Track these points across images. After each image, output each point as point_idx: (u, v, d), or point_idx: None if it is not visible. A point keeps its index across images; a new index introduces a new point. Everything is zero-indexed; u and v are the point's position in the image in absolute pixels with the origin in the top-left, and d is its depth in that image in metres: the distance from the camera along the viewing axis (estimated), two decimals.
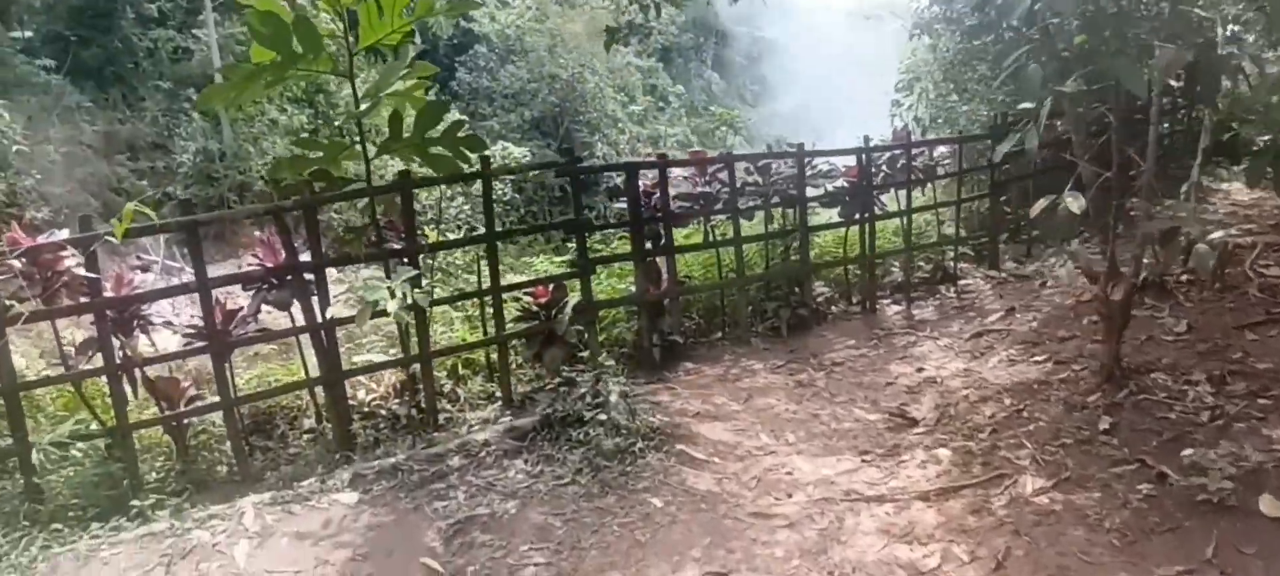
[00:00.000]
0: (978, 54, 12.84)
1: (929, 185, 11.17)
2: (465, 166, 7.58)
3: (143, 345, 7.30)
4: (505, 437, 6.93)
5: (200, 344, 7.26)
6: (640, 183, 8.96)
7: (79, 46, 24.78)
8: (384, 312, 6.61)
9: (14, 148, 20.60)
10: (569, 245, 12.14)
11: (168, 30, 26.23)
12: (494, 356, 8.35)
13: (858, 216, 10.26)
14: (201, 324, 7.26)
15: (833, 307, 10.54)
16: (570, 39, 28.16)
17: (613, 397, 6.77)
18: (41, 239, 6.81)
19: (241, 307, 7.45)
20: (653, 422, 6.86)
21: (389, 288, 6.59)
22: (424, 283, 7.41)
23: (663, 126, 30.55)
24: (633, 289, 9.10)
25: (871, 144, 10.37)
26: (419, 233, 7.78)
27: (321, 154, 7.43)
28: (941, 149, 11.63)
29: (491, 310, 8.23)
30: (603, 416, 6.66)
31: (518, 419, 7.41)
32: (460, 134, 7.35)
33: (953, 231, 11.85)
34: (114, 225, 6.05)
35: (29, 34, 24.78)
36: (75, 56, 24.64)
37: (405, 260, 7.61)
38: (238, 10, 26.59)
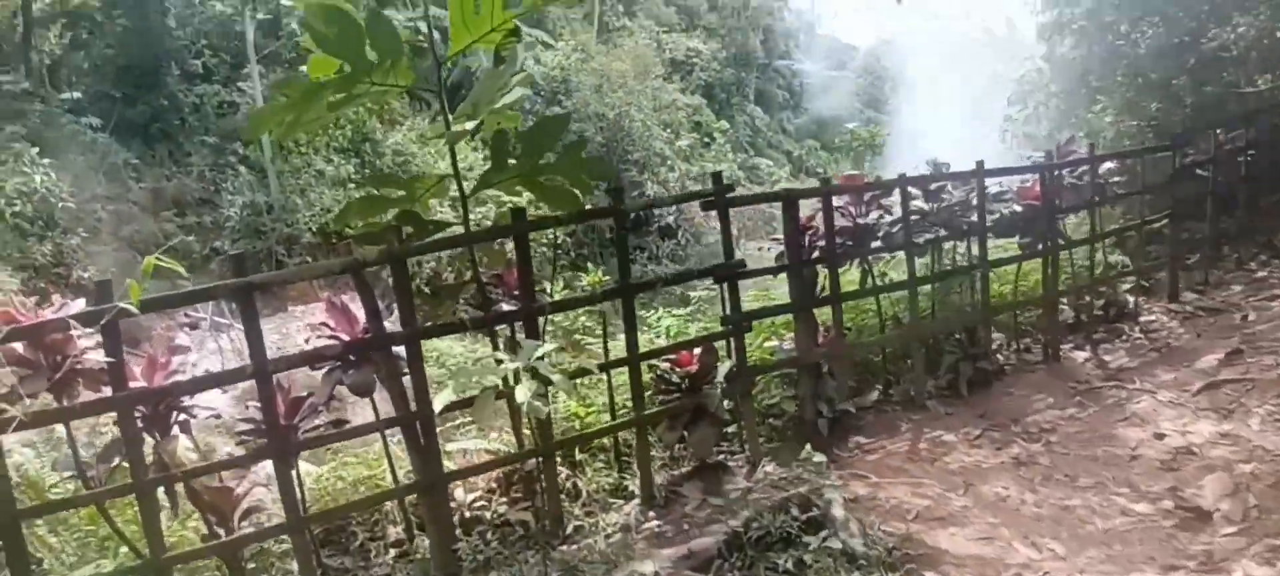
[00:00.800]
0: (1122, 56, 10.64)
1: (1099, 208, 8.92)
2: (587, 199, 5.49)
3: (183, 447, 5.17)
4: (680, 569, 4.74)
5: (259, 443, 5.10)
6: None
7: (125, 105, 23.08)
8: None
9: (60, 205, 18.94)
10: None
11: (213, 85, 24.52)
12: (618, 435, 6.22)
13: (1042, 246, 8.06)
14: (258, 415, 5.14)
15: (1001, 356, 8.30)
16: (616, 78, 26.21)
17: (835, 509, 4.62)
18: (46, 314, 4.75)
19: (309, 394, 5.33)
20: (888, 541, 4.68)
21: (515, 369, 4.49)
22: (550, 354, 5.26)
23: (710, 163, 28.52)
24: (780, 344, 6.94)
25: (1045, 161, 8.23)
26: (539, 289, 5.64)
27: (402, 192, 5.34)
28: (1107, 165, 9.35)
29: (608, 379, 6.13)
30: (826, 538, 4.48)
31: (681, 536, 5.23)
32: (582, 156, 5.26)
33: (1118, 259, 9.63)
34: (130, 288, 4.08)
35: (77, 95, 23.10)
36: (121, 114, 22.93)
37: (520, 325, 5.51)
38: (284, 63, 24.85)
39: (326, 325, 5.47)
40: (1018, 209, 7.97)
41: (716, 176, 6.28)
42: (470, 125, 4.83)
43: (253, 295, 4.85)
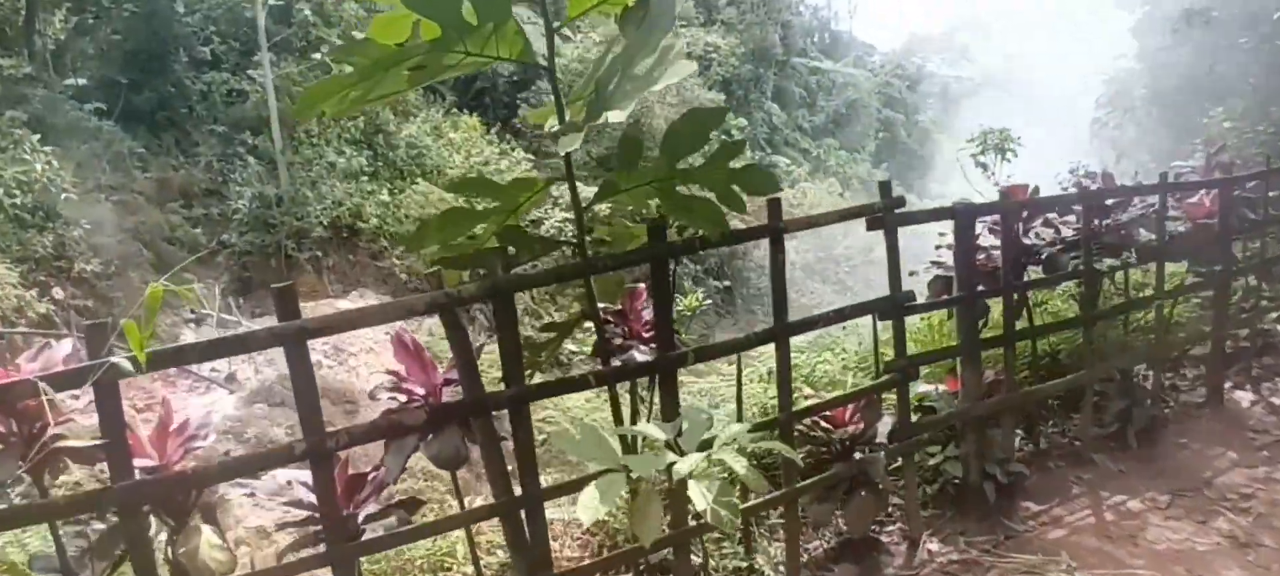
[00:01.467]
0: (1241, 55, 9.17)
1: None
2: (741, 214, 4.03)
3: (207, 543, 3.69)
4: None
5: (312, 534, 3.65)
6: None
7: (131, 91, 21.54)
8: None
9: (62, 196, 17.42)
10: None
11: (221, 73, 22.96)
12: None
13: (1221, 270, 6.58)
14: (305, 495, 3.69)
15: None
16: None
17: None
18: (19, 369, 3.28)
19: (374, 470, 3.88)
20: None
21: (695, 461, 3.02)
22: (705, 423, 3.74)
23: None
24: (935, 390, 5.47)
25: (1175, 177, 6.80)
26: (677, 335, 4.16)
27: (496, 201, 3.87)
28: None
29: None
30: None
31: None
32: (738, 164, 3.77)
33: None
34: (128, 332, 2.86)
35: (82, 81, 21.52)
36: (127, 101, 21.39)
37: (656, 378, 4.05)
38: (295, 51, 23.25)
39: (396, 374, 3.97)
40: (1182, 229, 6.49)
41: (885, 186, 4.77)
42: (616, 116, 3.32)
43: (305, 344, 3.35)
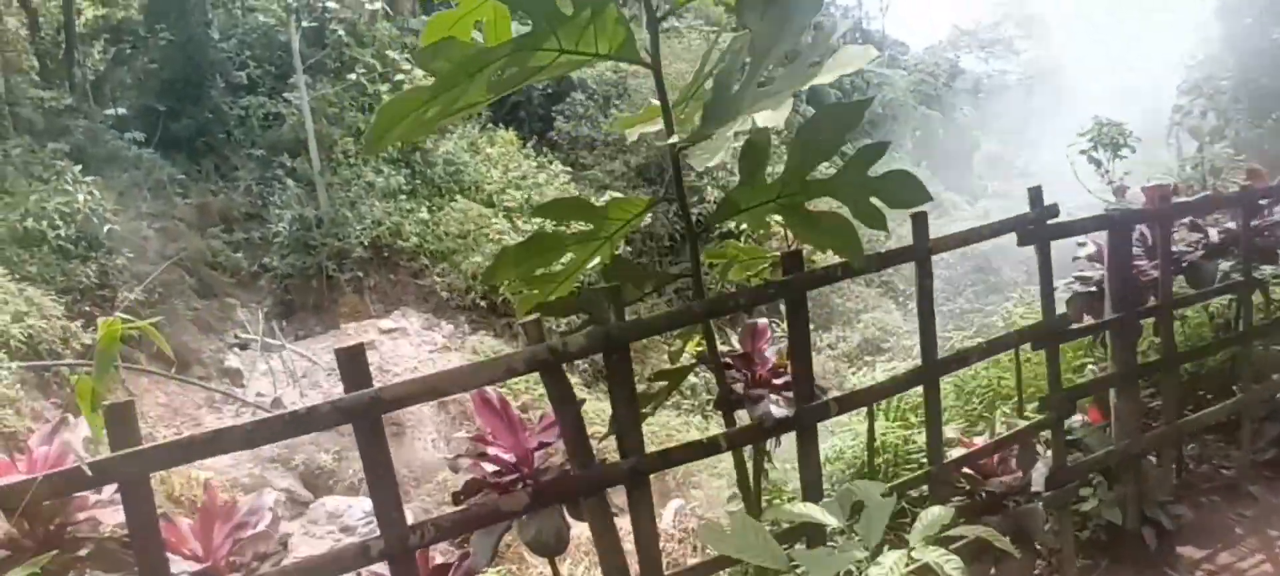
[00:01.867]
0: None
1: None
2: (886, 234, 3.27)
3: None
4: None
5: None
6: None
7: (169, 119, 21.10)
8: None
9: (105, 227, 16.93)
10: None
11: (258, 97, 22.48)
12: None
13: None
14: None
15: None
16: (675, 77, 23.82)
17: None
18: (30, 454, 2.60)
19: (460, 560, 3.16)
20: None
21: (896, 566, 2.27)
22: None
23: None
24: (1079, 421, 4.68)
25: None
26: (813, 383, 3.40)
27: (589, 224, 3.13)
28: None
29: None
30: None
31: None
32: (875, 172, 2.98)
33: None
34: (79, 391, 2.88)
35: (121, 111, 21.15)
36: (165, 129, 20.95)
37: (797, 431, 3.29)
38: (330, 72, 22.72)
39: (480, 438, 3.25)
40: None
41: (1035, 192, 3.97)
42: (770, 118, 2.60)
43: (379, 417, 2.63)
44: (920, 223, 3.57)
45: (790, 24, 2.78)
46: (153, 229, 18.75)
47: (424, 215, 21.66)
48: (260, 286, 20.47)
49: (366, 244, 20.79)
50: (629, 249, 22.63)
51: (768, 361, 3.45)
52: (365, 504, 13.70)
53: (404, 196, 21.88)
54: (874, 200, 3.04)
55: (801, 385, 3.19)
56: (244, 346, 19.03)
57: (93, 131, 19.81)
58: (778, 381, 3.38)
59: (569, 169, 24.01)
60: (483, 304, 21.40)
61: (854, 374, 22.65)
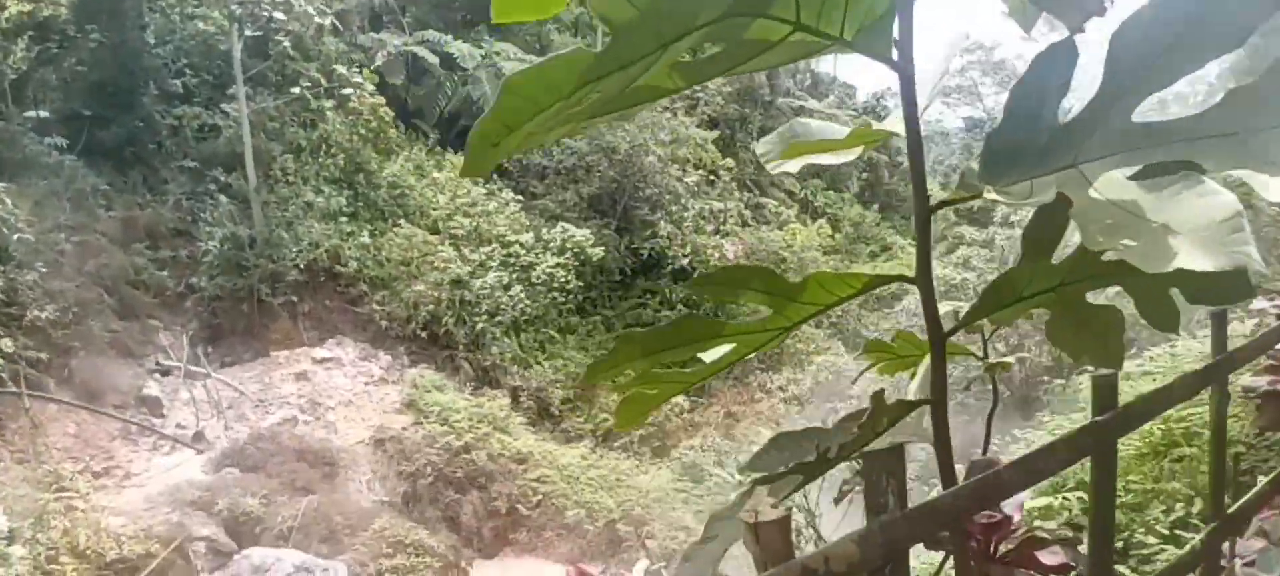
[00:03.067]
0: None
1: None
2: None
3: None
4: None
5: None
6: None
7: (96, 125, 19.74)
8: None
9: (15, 237, 15.49)
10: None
11: (194, 107, 21.30)
12: None
13: None
14: None
15: None
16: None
17: None
18: None
19: None
20: None
21: None
22: None
23: (716, 201, 25.54)
24: None
25: None
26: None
27: (774, 302, 1.99)
28: None
29: None
30: None
31: None
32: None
33: None
34: None
35: (43, 114, 19.64)
36: (91, 135, 19.59)
37: None
38: (271, 86, 21.45)
39: None
40: None
41: None
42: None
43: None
44: (1219, 324, 2.67)
45: None
46: (71, 242, 17.33)
47: (365, 239, 20.54)
48: (186, 308, 19.11)
49: (303, 267, 19.61)
50: (577, 282, 21.73)
51: (1013, 526, 2.23)
52: (295, 557, 12.50)
53: (345, 219, 20.75)
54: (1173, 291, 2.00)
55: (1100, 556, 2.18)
56: (165, 372, 17.66)
57: (9, 134, 18.36)
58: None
59: (520, 198, 23.05)
60: (423, 335, 20.32)
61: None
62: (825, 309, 1.90)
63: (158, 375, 17.49)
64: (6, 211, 15.59)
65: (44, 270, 16.05)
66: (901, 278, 1.93)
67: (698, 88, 26.42)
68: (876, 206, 34.21)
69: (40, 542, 9.66)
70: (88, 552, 9.84)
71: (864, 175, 35.25)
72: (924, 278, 1.78)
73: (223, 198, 19.81)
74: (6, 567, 9.15)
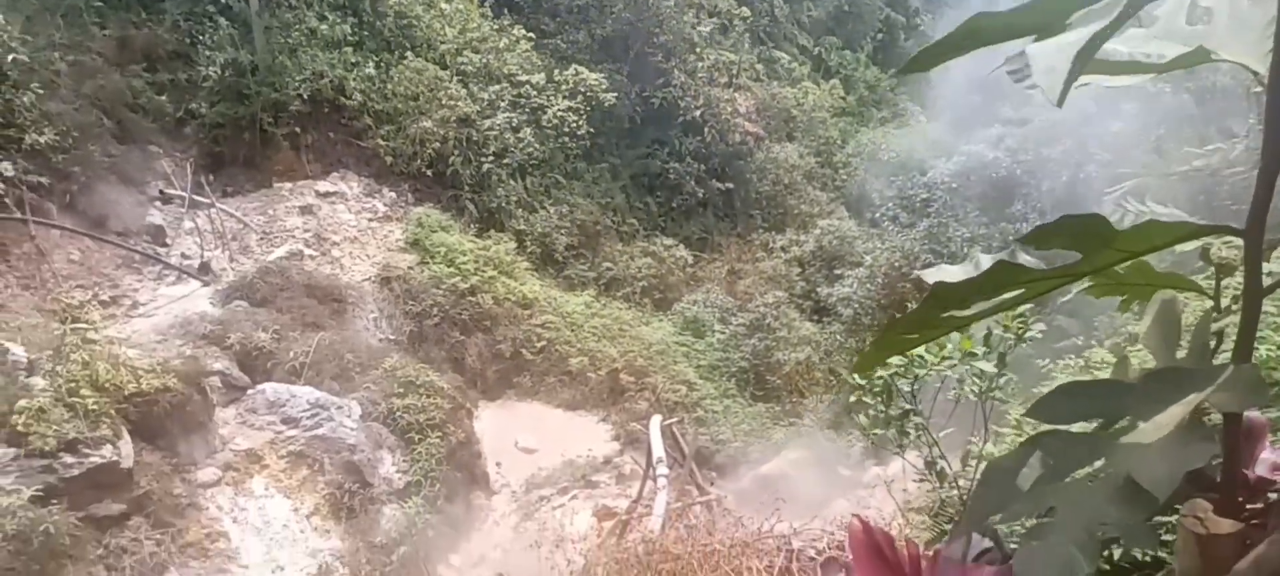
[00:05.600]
0: None
1: None
2: None
3: None
4: None
5: None
6: None
7: None
8: None
9: (10, 56, 14.89)
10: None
11: None
12: None
13: None
14: None
15: None
16: None
17: None
18: None
19: None
20: None
21: None
22: None
23: (728, 52, 24.79)
24: None
25: None
26: None
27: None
28: None
29: None
30: None
31: None
32: None
33: None
34: None
35: None
36: None
37: None
38: None
39: None
40: None
41: None
42: None
43: None
44: None
45: None
46: (65, 62, 16.64)
47: (371, 71, 19.91)
48: (186, 135, 18.58)
49: (306, 97, 19.03)
50: (587, 128, 21.21)
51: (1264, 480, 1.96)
52: (309, 393, 12.51)
53: (350, 48, 20.05)
54: None
55: None
56: (167, 200, 17.29)
57: None
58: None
59: (531, 35, 22.26)
60: (428, 173, 19.95)
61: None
62: (1137, 255, 1.70)
63: (159, 203, 17.13)
64: (0, 27, 14.98)
65: (40, 91, 15.46)
66: (1228, 230, 1.68)
67: None
68: (892, 71, 33.33)
69: (60, 375, 9.53)
70: (107, 386, 9.73)
71: (879, 36, 34.35)
72: (1255, 230, 1.58)
73: (222, 20, 18.96)
74: (30, 399, 9.05)
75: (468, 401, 15.79)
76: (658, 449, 13.08)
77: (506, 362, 17.72)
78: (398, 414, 13.32)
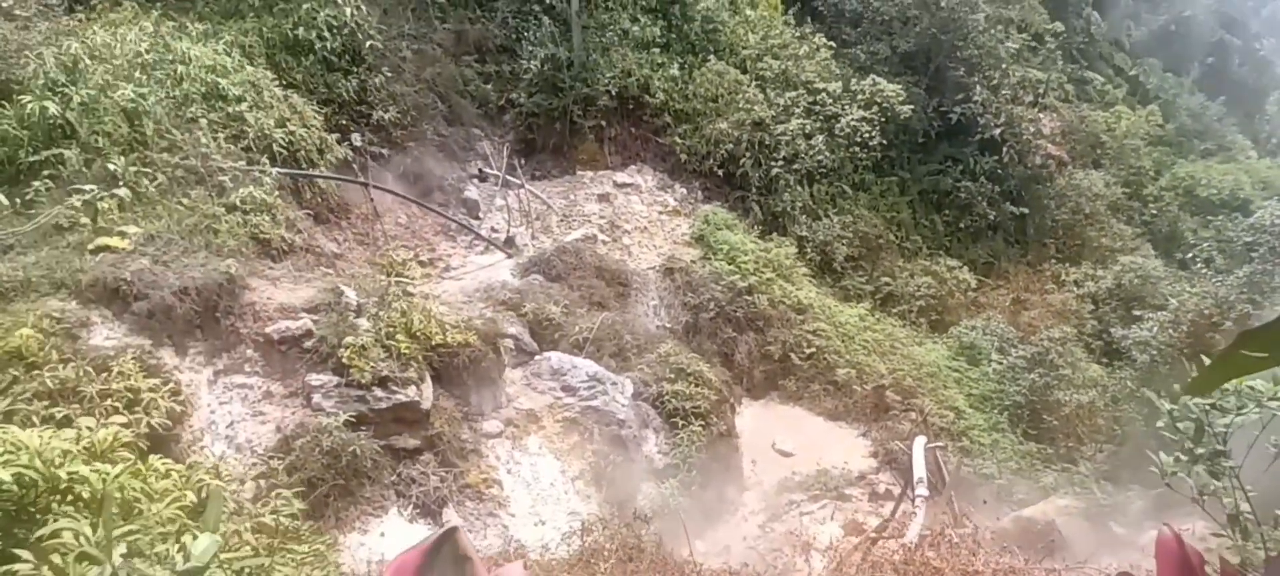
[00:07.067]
0: None
1: None
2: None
3: None
4: None
5: None
6: None
7: None
8: None
9: (367, 43, 16.99)
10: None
11: None
12: None
13: None
14: None
15: None
16: None
17: None
18: None
19: None
20: None
21: None
22: None
23: (1036, 70, 23.57)
24: None
25: None
26: None
27: None
28: None
29: None
30: None
31: None
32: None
33: None
34: None
35: None
36: None
37: None
38: None
39: None
40: None
41: None
42: None
43: None
44: None
45: None
46: (411, 50, 18.71)
47: (675, 72, 20.74)
48: (505, 121, 20.28)
49: (613, 93, 20.15)
50: (879, 139, 20.91)
51: None
52: (589, 366, 13.32)
53: (657, 49, 21.00)
54: None
55: None
56: (483, 178, 18.96)
57: None
58: None
59: (831, 44, 22.29)
60: (719, 172, 20.50)
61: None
62: None
63: (477, 181, 18.85)
64: (362, 18, 17.04)
65: (388, 74, 17.49)
66: None
67: None
68: (1221, 98, 30.21)
69: (381, 320, 10.83)
70: (418, 334, 10.94)
71: (1209, 60, 31.25)
72: None
73: (546, 19, 20.51)
74: (355, 337, 10.38)
75: (733, 397, 16.12)
76: (919, 469, 12.77)
77: (774, 364, 17.86)
78: (666, 397, 13.85)
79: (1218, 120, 29.13)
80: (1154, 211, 24.73)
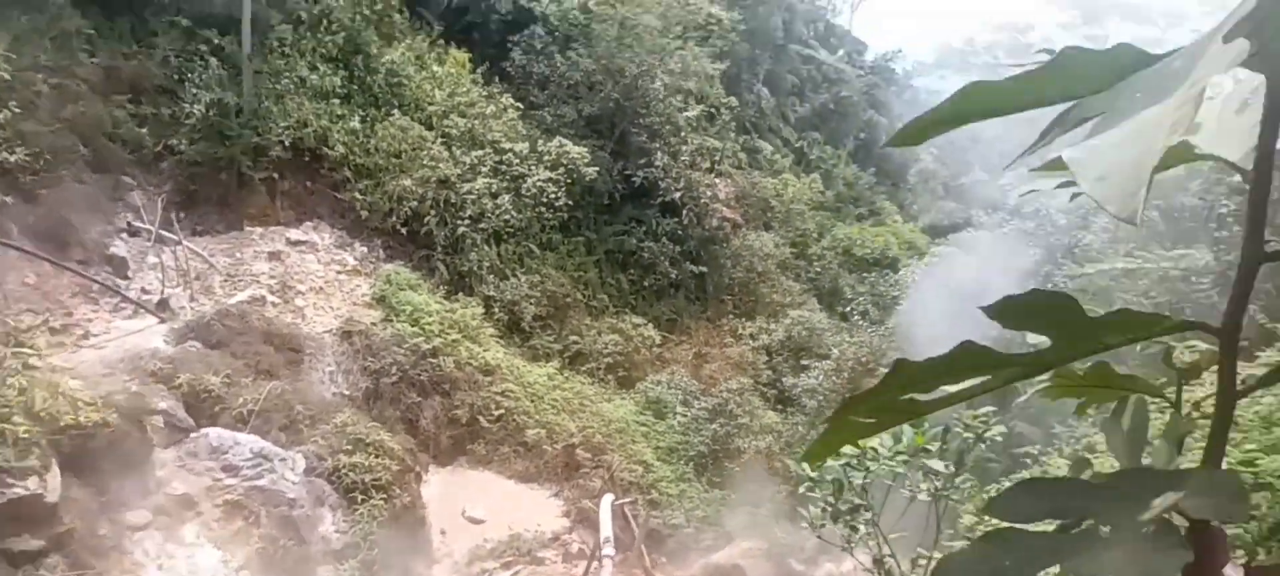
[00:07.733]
0: None
1: None
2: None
3: None
4: None
5: None
6: None
7: None
8: None
9: None
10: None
11: None
12: None
13: None
14: None
15: None
16: (642, 32, 22.34)
17: None
18: None
19: None
20: None
21: None
22: None
23: (713, 138, 25.00)
24: None
25: None
26: None
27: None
28: None
29: None
30: None
31: None
32: None
33: None
34: None
35: None
36: None
37: None
38: None
39: None
40: None
41: None
42: None
43: None
44: None
45: None
46: (49, 84, 16.48)
47: (356, 124, 19.87)
48: (162, 170, 18.37)
49: (287, 144, 18.93)
50: (566, 200, 21.18)
51: None
52: (253, 442, 12.15)
53: (338, 100, 20.04)
54: None
55: None
56: (134, 233, 17.01)
57: None
58: None
59: (519, 105, 22.36)
60: (402, 231, 19.81)
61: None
62: (1110, 346, 1.57)
63: (126, 235, 16.85)
64: None
65: (17, 110, 15.28)
66: (1203, 326, 1.55)
67: (712, 21, 25.67)
68: (872, 169, 33.86)
69: None
70: (42, 415, 9.39)
71: (861, 135, 34.89)
72: (1230, 330, 1.44)
73: (214, 60, 18.89)
74: None
75: (418, 465, 15.43)
76: (606, 528, 12.80)
77: (462, 428, 17.36)
78: (343, 471, 12.96)
79: (869, 188, 32.70)
80: (818, 269, 26.99)
